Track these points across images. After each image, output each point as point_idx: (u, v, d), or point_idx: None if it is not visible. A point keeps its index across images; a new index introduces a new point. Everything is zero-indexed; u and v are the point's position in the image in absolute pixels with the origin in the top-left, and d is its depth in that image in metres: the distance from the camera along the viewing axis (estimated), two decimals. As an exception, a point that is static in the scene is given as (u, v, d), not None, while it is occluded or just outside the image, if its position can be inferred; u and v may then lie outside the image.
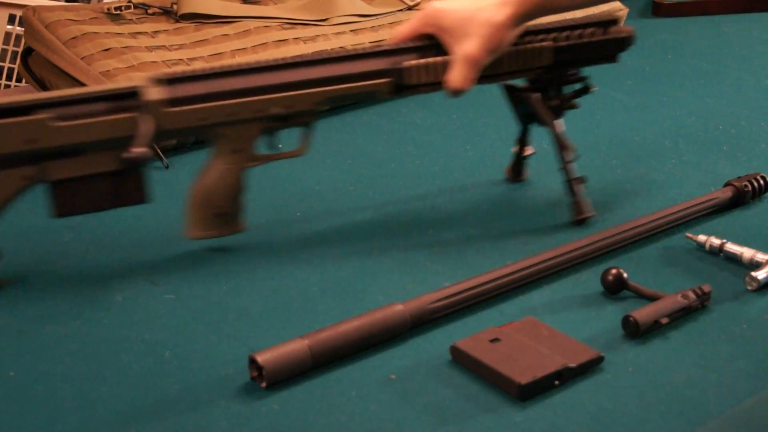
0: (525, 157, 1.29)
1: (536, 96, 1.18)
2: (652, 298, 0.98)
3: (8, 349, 0.93)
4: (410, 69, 1.10)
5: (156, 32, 1.49)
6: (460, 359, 0.90)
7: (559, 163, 1.19)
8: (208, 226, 1.09)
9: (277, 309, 1.00)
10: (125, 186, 1.03)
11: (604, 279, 1.01)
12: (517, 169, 1.30)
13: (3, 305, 1.01)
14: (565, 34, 1.17)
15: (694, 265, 1.08)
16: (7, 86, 1.98)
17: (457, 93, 1.11)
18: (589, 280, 1.04)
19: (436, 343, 0.93)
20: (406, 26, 1.13)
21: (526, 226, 1.18)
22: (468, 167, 1.36)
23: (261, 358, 0.86)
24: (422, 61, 1.11)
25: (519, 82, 1.21)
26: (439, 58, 1.11)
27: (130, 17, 1.51)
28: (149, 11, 1.53)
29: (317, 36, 1.55)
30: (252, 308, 1.00)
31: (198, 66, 1.42)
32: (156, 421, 0.82)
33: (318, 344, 0.88)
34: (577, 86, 1.21)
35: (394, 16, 1.66)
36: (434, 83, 1.12)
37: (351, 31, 1.59)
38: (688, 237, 1.12)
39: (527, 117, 1.24)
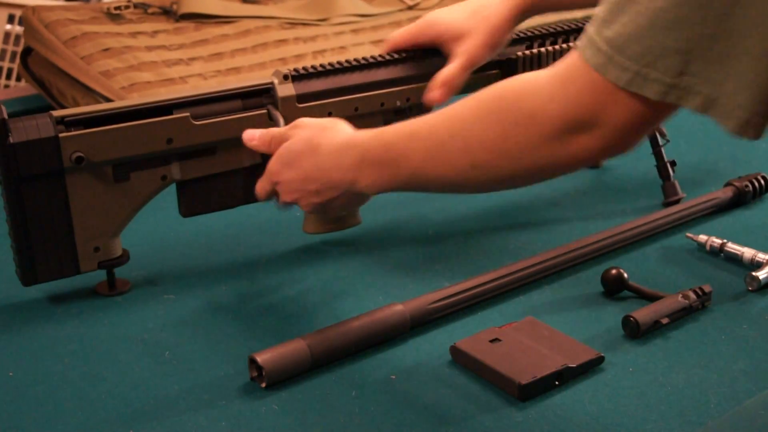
0: None
1: None
2: (652, 298, 0.98)
3: (8, 349, 0.93)
4: (523, 59, 1.14)
5: (156, 32, 1.49)
6: (460, 359, 0.90)
7: (653, 147, 1.22)
8: (328, 220, 1.10)
9: (277, 309, 1.00)
10: (253, 183, 1.04)
11: (604, 279, 1.01)
12: None
13: (3, 306, 1.01)
14: None
15: (694, 265, 1.08)
16: (7, 86, 1.98)
17: (450, 89, 1.07)
18: (589, 280, 1.04)
19: (436, 343, 0.93)
20: (401, 34, 1.12)
21: (526, 225, 1.18)
22: (468, 167, 1.36)
23: (261, 358, 0.86)
24: (534, 50, 1.15)
25: None
26: (548, 48, 1.15)
27: (129, 17, 1.51)
28: (149, 11, 1.53)
29: (317, 36, 1.55)
30: (252, 308, 1.00)
31: (198, 64, 1.42)
32: (156, 421, 0.82)
33: (318, 344, 0.88)
34: None
35: (394, 16, 1.66)
36: None
37: (351, 31, 1.59)
38: (688, 237, 1.12)
39: None
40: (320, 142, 0.92)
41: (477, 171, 0.79)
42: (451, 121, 0.81)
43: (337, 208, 0.96)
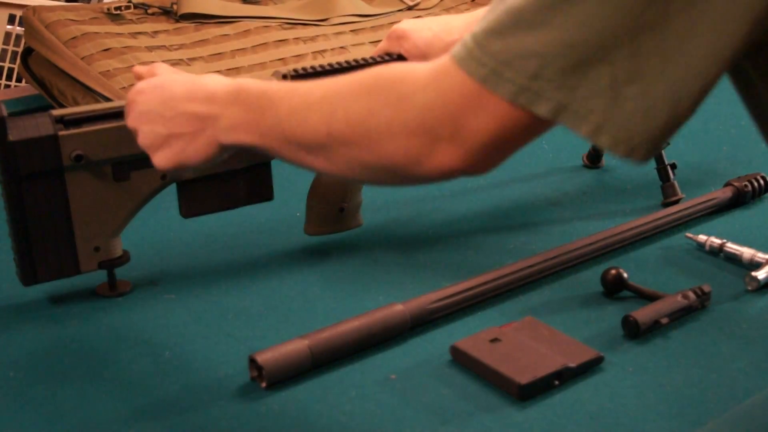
0: None
1: None
2: (652, 298, 0.98)
3: (8, 349, 0.93)
4: None
5: (156, 32, 1.49)
6: (460, 359, 0.90)
7: None
8: (330, 221, 1.11)
9: (277, 309, 1.00)
10: (254, 183, 1.05)
11: (604, 279, 1.01)
12: (594, 156, 1.35)
13: (3, 306, 1.01)
14: None
15: (694, 265, 1.08)
16: (7, 86, 1.98)
17: None
18: (589, 280, 1.04)
19: (436, 343, 0.93)
20: (376, 51, 1.12)
21: (526, 225, 1.18)
22: (468, 167, 1.36)
23: (261, 358, 0.86)
24: None
25: None
26: None
27: (130, 17, 1.51)
28: (149, 11, 1.53)
29: (317, 36, 1.55)
30: (252, 308, 1.00)
31: (198, 64, 1.42)
32: (156, 421, 0.82)
33: (318, 344, 0.88)
34: None
35: (394, 16, 1.66)
36: None
37: (351, 31, 1.59)
38: (688, 237, 1.12)
39: None
40: (202, 76, 0.89)
41: (330, 142, 0.76)
42: (328, 86, 0.79)
43: (169, 154, 0.88)
